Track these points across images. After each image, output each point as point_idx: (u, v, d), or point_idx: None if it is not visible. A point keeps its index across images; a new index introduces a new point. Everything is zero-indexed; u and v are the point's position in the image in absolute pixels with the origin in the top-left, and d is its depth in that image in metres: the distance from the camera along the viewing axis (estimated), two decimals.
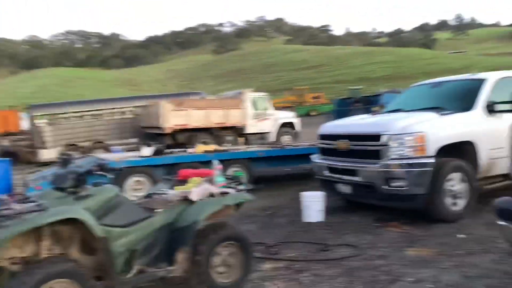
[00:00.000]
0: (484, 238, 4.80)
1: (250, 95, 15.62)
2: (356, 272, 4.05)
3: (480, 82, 6.13)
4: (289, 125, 16.59)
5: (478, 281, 3.66)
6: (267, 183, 8.79)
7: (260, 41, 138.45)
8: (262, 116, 15.41)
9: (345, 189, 5.91)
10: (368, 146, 5.61)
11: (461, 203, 5.51)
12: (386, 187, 5.34)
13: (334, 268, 4.20)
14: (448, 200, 5.41)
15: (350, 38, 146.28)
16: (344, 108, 17.43)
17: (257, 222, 6.09)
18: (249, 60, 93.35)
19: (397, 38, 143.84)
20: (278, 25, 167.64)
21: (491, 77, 6.19)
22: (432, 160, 5.27)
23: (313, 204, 5.92)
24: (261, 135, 15.14)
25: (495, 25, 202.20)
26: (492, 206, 2.51)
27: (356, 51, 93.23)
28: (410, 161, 5.25)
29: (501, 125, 5.79)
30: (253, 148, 10.26)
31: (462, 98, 6.15)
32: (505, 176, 6.07)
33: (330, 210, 6.13)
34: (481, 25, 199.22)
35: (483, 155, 5.71)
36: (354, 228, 5.52)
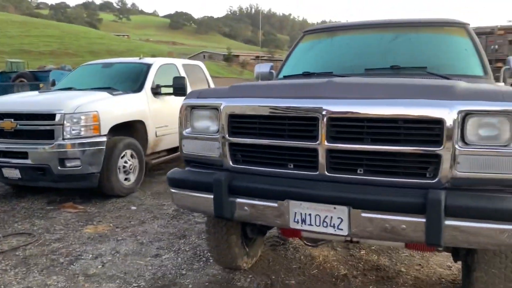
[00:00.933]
0: (153, 207, 5.39)
1: None
2: (32, 259, 3.80)
3: (147, 66, 6.72)
4: None
5: (151, 245, 4.12)
6: None
7: None
8: None
9: (13, 173, 5.34)
10: (40, 126, 5.24)
11: (132, 178, 5.95)
12: (61, 168, 5.16)
13: (8, 260, 3.79)
14: (121, 176, 5.75)
15: (5, 4, 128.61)
16: (4, 83, 15.38)
17: None
18: None
19: (60, 13, 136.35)
20: None
21: (156, 63, 6.88)
22: (105, 139, 5.44)
23: None
24: None
25: (154, 14, 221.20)
26: (166, 176, 2.86)
27: (14, 19, 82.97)
28: (84, 140, 5.25)
29: (164, 106, 6.58)
30: None
31: (132, 80, 6.57)
32: (168, 151, 6.94)
33: None
34: (142, 12, 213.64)
35: (151, 133, 6.33)
36: (25, 215, 5.11)
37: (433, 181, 2.21)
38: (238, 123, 2.63)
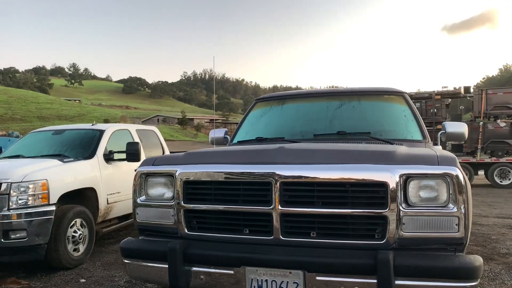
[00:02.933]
0: (103, 279, 5.13)
1: None
2: None
3: (99, 132, 6.67)
4: None
5: None
6: None
7: None
8: None
9: None
10: None
11: (81, 248, 5.69)
12: (5, 240, 4.87)
13: None
14: (70, 247, 5.49)
15: None
16: None
17: None
18: None
19: (9, 77, 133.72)
20: None
21: (109, 129, 6.85)
22: (54, 208, 5.24)
23: None
24: None
25: (107, 79, 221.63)
26: (119, 247, 2.80)
27: None
28: (31, 210, 5.02)
29: (117, 172, 6.48)
30: None
31: (84, 147, 6.46)
32: (120, 218, 6.74)
33: None
34: (94, 77, 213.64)
35: (103, 200, 6.16)
36: None
37: (382, 242, 2.31)
38: (193, 190, 2.67)
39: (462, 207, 2.26)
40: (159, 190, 2.77)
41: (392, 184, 2.29)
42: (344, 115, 3.94)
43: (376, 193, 2.33)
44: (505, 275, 4.65)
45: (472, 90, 18.27)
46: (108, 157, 6.44)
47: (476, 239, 6.59)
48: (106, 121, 51.81)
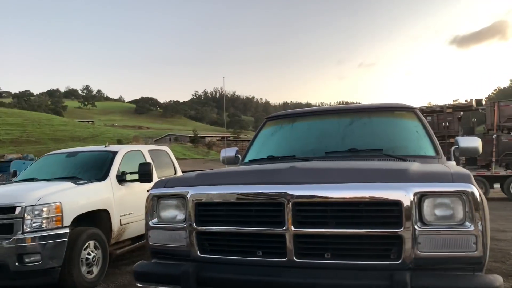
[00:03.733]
0: None
1: None
2: None
3: (112, 154, 6.73)
4: None
5: None
6: None
7: None
8: None
9: None
10: None
11: (95, 271, 5.68)
12: (19, 264, 4.89)
13: None
14: (84, 269, 5.49)
15: None
16: None
17: None
18: None
19: (24, 101, 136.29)
20: None
21: (121, 150, 6.91)
22: (68, 230, 5.26)
23: None
24: None
25: (119, 100, 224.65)
26: (132, 270, 2.79)
27: None
28: (45, 233, 5.05)
29: (130, 193, 6.50)
30: None
31: (97, 168, 6.52)
32: (133, 239, 6.73)
33: None
34: (107, 98, 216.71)
35: (116, 221, 6.17)
36: None
37: (397, 262, 2.27)
38: (205, 211, 2.66)
39: (479, 225, 2.21)
40: (171, 213, 2.77)
41: (406, 203, 2.26)
42: (356, 132, 3.92)
43: (390, 212, 2.30)
44: None
45: (483, 103, 18.10)
46: (121, 178, 6.48)
47: (494, 255, 6.43)
48: (119, 141, 52.34)
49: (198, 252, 2.64)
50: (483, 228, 2.22)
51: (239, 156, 4.43)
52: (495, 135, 15.56)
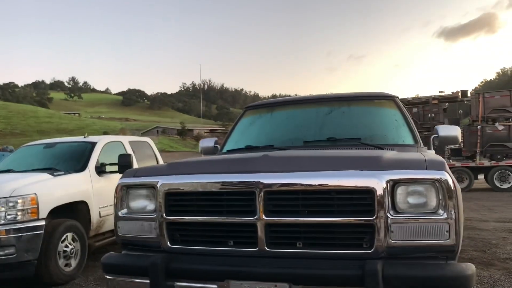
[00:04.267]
0: None
1: None
2: None
3: (91, 145, 6.59)
4: None
5: None
6: None
7: None
8: None
9: None
10: None
11: (73, 263, 5.58)
12: None
13: None
14: (61, 262, 5.38)
15: None
16: None
17: None
18: None
19: (8, 92, 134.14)
20: None
21: (100, 141, 6.77)
22: (43, 223, 5.14)
23: None
24: None
25: (106, 91, 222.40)
26: (100, 262, 2.70)
27: None
28: (20, 226, 4.93)
29: (109, 184, 6.38)
30: None
31: (75, 159, 6.38)
32: (112, 232, 6.62)
33: None
34: (94, 90, 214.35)
35: (95, 213, 6.06)
36: None
37: (370, 251, 2.22)
38: (176, 201, 2.58)
39: (452, 213, 2.17)
40: (141, 203, 2.69)
41: (379, 191, 2.20)
42: (334, 121, 3.86)
43: (362, 200, 2.25)
44: (505, 281, 4.54)
45: (469, 94, 18.24)
46: (100, 170, 6.36)
47: (476, 244, 6.48)
48: (105, 133, 51.74)
49: (169, 243, 2.57)
50: (456, 216, 2.18)
51: (218, 146, 4.35)
52: (479, 126, 15.70)
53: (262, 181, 2.36)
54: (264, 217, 2.34)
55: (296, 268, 2.24)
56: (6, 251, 4.84)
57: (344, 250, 2.27)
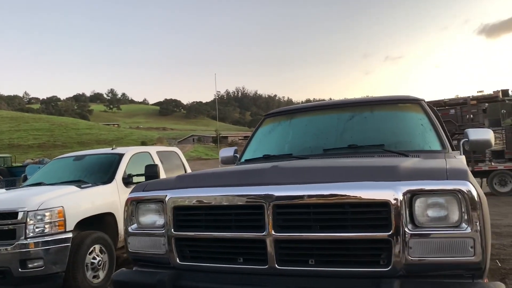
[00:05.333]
0: None
1: None
2: None
3: (118, 156, 6.66)
4: None
5: None
6: None
7: None
8: None
9: None
10: (1, 226, 5.01)
11: (101, 275, 5.61)
12: (22, 269, 4.85)
13: None
14: (89, 274, 5.42)
15: None
16: None
17: None
18: None
19: (51, 106, 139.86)
20: None
21: (128, 152, 6.83)
22: (71, 235, 5.19)
23: None
24: None
25: (144, 102, 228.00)
26: (111, 278, 2.65)
27: (4, 115, 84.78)
28: (48, 238, 5.00)
29: None
30: None
31: (103, 171, 6.46)
32: None
33: None
34: (132, 101, 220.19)
35: (122, 225, 6.08)
36: None
37: (387, 269, 2.05)
38: (184, 216, 2.50)
39: (477, 226, 1.97)
40: (151, 218, 2.62)
41: (395, 203, 2.03)
42: (356, 127, 3.69)
43: (378, 213, 2.08)
44: None
45: (511, 93, 17.38)
46: (128, 181, 6.40)
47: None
48: (143, 143, 52.89)
49: (178, 259, 2.48)
50: (482, 230, 1.97)
51: (238, 155, 4.26)
52: None
53: (270, 193, 2.24)
54: (273, 232, 2.22)
55: (305, 287, 2.10)
56: (35, 264, 4.92)
57: (359, 268, 2.11)
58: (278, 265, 2.23)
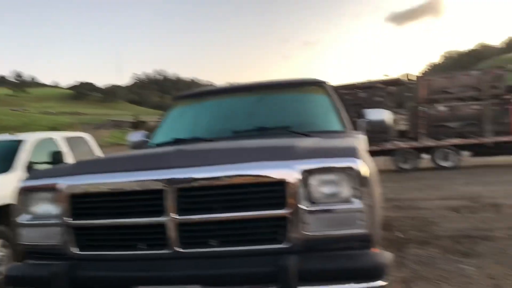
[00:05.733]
0: None
1: None
2: None
3: (19, 143, 6.17)
4: None
5: None
6: None
7: None
8: None
9: None
10: None
11: (3, 270, 5.22)
12: None
13: None
14: None
15: None
16: None
17: None
18: None
19: None
20: None
21: (30, 138, 6.36)
22: None
23: None
24: None
25: (55, 86, 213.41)
26: (4, 274, 2.47)
27: None
28: None
29: None
30: None
31: (1, 159, 5.97)
32: None
33: None
34: (42, 85, 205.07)
35: None
36: None
37: (286, 245, 2.13)
38: (81, 204, 2.38)
39: (366, 201, 2.10)
40: (45, 207, 2.46)
41: (291, 181, 2.10)
42: (264, 110, 3.75)
43: (275, 192, 2.14)
44: (439, 259, 4.63)
45: (414, 78, 18.75)
46: (31, 170, 5.96)
47: (414, 224, 6.62)
48: (53, 129, 49.60)
49: (75, 249, 2.37)
50: (371, 204, 2.11)
51: (148, 140, 4.14)
52: (422, 108, 16.19)
53: (171, 177, 2.20)
54: (174, 216, 2.19)
55: (207, 269, 2.11)
56: None
57: (259, 245, 2.17)
58: (181, 248, 2.21)
